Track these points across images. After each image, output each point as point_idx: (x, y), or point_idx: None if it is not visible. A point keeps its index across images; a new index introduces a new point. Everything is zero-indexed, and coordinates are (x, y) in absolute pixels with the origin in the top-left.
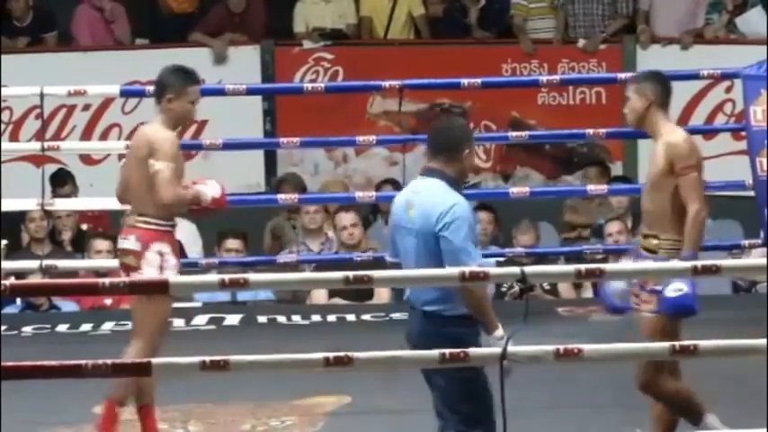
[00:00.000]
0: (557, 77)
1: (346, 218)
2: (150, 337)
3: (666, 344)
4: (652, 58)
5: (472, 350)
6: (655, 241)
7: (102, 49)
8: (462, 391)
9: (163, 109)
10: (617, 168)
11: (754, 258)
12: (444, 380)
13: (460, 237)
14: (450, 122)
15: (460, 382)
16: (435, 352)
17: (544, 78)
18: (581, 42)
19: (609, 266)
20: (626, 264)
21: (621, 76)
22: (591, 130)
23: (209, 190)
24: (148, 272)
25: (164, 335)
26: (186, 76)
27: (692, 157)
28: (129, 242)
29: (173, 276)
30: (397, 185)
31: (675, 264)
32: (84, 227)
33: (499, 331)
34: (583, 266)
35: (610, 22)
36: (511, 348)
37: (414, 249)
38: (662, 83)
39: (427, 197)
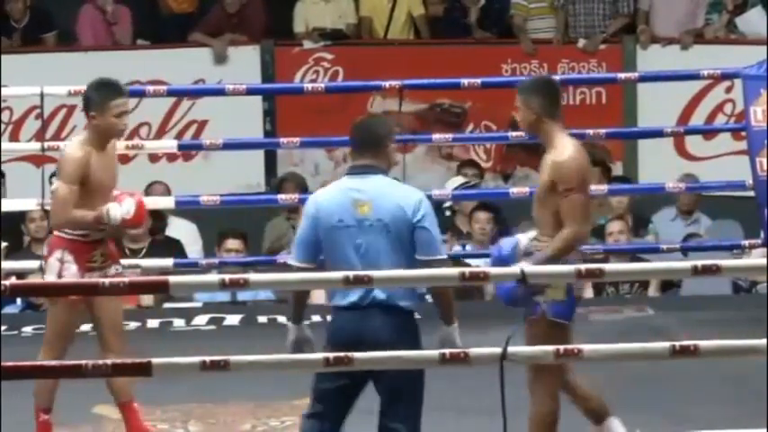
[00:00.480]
0: (557, 77)
1: None
2: (50, 341)
3: (666, 344)
4: (652, 59)
5: (472, 350)
6: (537, 244)
7: (103, 50)
8: (419, 391)
9: (88, 125)
10: (617, 168)
11: (755, 258)
12: (405, 381)
13: (436, 228)
14: (372, 119)
15: (418, 382)
16: (435, 352)
17: None
18: (581, 42)
19: (609, 266)
20: (626, 264)
21: (621, 76)
22: (591, 131)
23: (119, 210)
24: (48, 278)
25: (65, 340)
26: (108, 90)
27: (574, 179)
28: (43, 248)
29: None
30: None
31: (675, 264)
32: None
33: (456, 323)
34: (583, 266)
35: (610, 21)
36: (511, 348)
37: (384, 245)
38: (546, 94)
39: (388, 191)
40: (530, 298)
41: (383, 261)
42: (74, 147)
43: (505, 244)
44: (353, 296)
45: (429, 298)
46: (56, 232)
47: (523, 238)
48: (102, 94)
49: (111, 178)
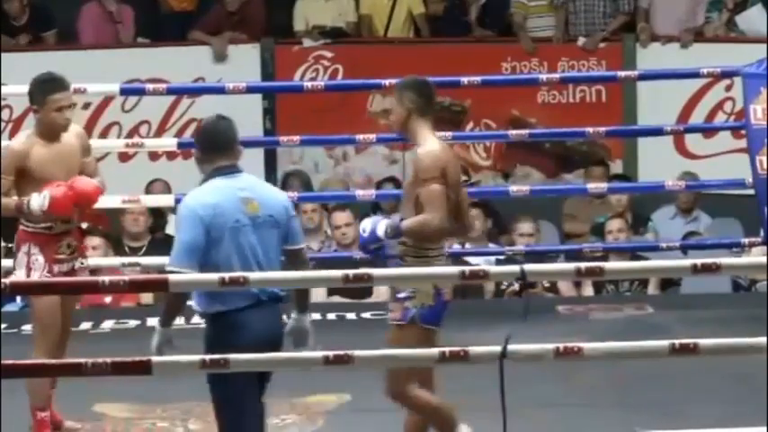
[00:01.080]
0: (556, 76)
1: (341, 217)
2: (39, 339)
3: (666, 342)
4: (652, 57)
5: (472, 349)
6: (403, 247)
7: (102, 48)
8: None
9: (34, 119)
10: (617, 166)
11: (755, 257)
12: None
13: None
14: (223, 121)
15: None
16: (435, 350)
17: (544, 77)
18: (581, 40)
19: (609, 265)
20: (626, 263)
21: (621, 74)
22: (591, 129)
23: (37, 201)
24: (19, 273)
25: (52, 333)
26: (49, 84)
27: (431, 170)
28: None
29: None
30: (398, 183)
31: (675, 262)
32: (84, 225)
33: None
34: (583, 265)
35: (610, 20)
36: (511, 347)
37: (274, 240)
38: (421, 91)
39: (264, 187)
40: (377, 254)
41: (273, 256)
42: (17, 139)
43: (366, 225)
44: (253, 293)
45: None
46: (21, 226)
47: (387, 220)
48: (43, 88)
49: (64, 170)
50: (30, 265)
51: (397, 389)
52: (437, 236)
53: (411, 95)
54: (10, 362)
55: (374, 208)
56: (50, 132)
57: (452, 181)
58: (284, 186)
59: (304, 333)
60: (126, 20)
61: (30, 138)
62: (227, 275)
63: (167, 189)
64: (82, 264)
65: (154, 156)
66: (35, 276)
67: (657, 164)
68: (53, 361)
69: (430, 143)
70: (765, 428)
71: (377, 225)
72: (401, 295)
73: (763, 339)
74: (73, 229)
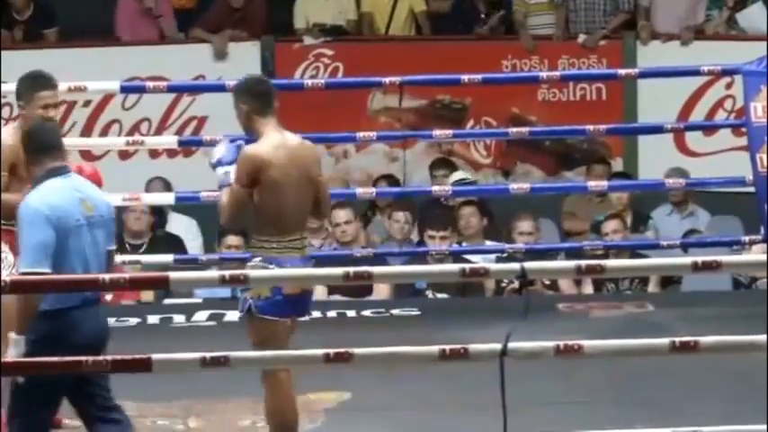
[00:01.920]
0: (557, 74)
1: (340, 215)
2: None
3: (666, 339)
4: (652, 54)
5: (472, 346)
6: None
7: (102, 46)
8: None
9: (20, 115)
10: (617, 164)
11: (755, 254)
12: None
13: None
14: (49, 123)
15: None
16: (435, 348)
17: (544, 74)
18: (581, 38)
19: (609, 262)
20: (626, 261)
21: (622, 72)
22: (591, 127)
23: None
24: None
25: None
26: (36, 82)
27: (238, 170)
28: None
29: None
30: (396, 182)
31: (675, 260)
32: None
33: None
34: (583, 262)
35: (611, 17)
36: (511, 344)
37: (105, 239)
38: (252, 92)
39: (93, 189)
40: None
41: (103, 256)
42: (6, 133)
43: (224, 154)
44: (83, 294)
45: (430, 294)
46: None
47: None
48: (29, 85)
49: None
50: None
51: (270, 380)
52: (223, 218)
53: (245, 97)
54: (10, 360)
55: (372, 207)
56: None
57: (275, 182)
58: None
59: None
60: (167, 13)
61: (15, 132)
62: (227, 273)
63: (166, 187)
64: None
65: (154, 154)
66: (3, 275)
67: (658, 162)
68: (53, 359)
69: (259, 144)
70: (765, 426)
71: (224, 168)
72: (242, 290)
73: (763, 337)
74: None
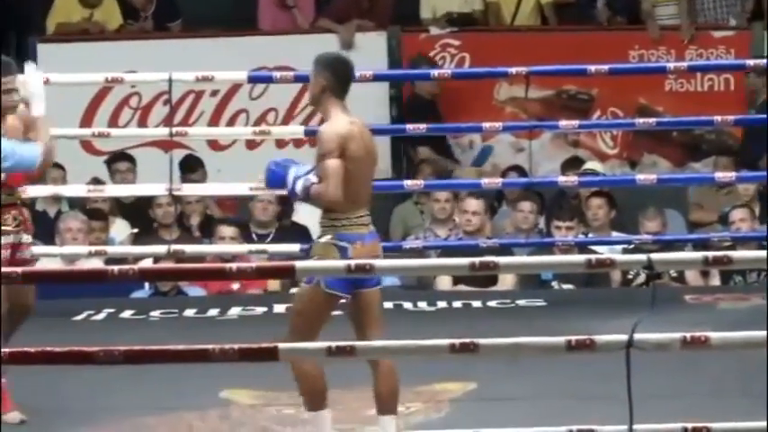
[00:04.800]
0: (684, 64)
1: (472, 204)
2: None
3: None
4: None
5: (598, 338)
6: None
7: (227, 36)
8: None
9: None
10: None
11: None
12: None
13: None
14: None
15: None
16: (561, 339)
17: (671, 65)
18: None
19: (737, 254)
20: (753, 252)
21: (750, 62)
22: (719, 117)
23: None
24: None
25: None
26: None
27: (327, 145)
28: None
29: (300, 262)
30: (523, 172)
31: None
32: (212, 213)
33: None
34: (710, 253)
35: (738, 8)
36: (637, 335)
37: None
38: (337, 71)
39: None
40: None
41: None
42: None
43: (288, 172)
44: None
45: (556, 284)
46: None
47: (303, 180)
48: None
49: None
50: None
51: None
52: (331, 206)
53: (328, 73)
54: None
55: (499, 197)
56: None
57: (355, 156)
58: (415, 174)
59: None
60: (304, 4)
61: None
62: (353, 263)
63: None
64: (27, 239)
65: (281, 143)
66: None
67: None
68: (181, 347)
69: (335, 122)
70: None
71: (297, 181)
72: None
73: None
74: (17, 203)
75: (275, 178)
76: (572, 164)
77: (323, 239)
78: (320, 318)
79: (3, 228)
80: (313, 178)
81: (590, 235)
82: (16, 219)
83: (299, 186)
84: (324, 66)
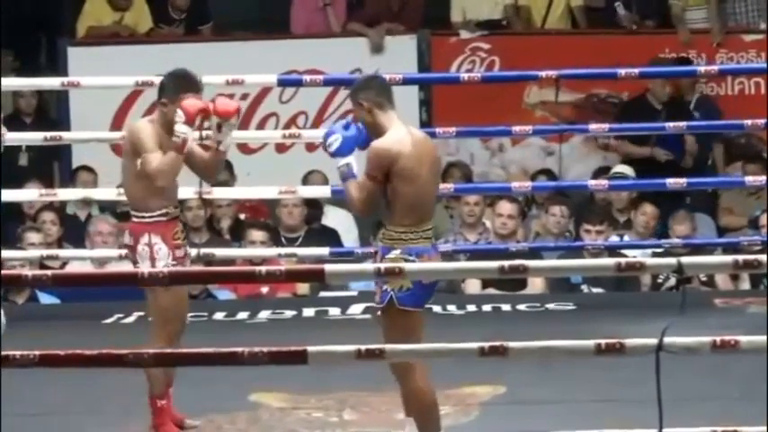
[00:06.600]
0: (715, 68)
1: (506, 207)
2: (159, 329)
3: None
4: None
5: (628, 341)
6: (382, 230)
7: (257, 39)
8: None
9: (158, 109)
10: None
11: None
12: None
13: None
14: None
15: None
16: (591, 342)
17: (702, 68)
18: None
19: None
20: None
21: None
22: (749, 121)
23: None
24: (144, 266)
25: (174, 324)
26: (184, 83)
27: (370, 163)
28: (126, 238)
29: (329, 266)
30: (553, 176)
31: None
32: (242, 216)
33: None
34: (740, 257)
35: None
36: (667, 339)
37: None
38: (370, 87)
39: None
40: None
41: None
42: (143, 126)
43: (338, 140)
44: None
45: (585, 288)
46: (134, 219)
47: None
48: (177, 86)
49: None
50: (154, 256)
51: (402, 366)
52: (357, 212)
53: (365, 93)
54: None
55: (529, 201)
56: (166, 127)
57: (406, 173)
58: (444, 177)
59: None
60: (337, 5)
61: (150, 125)
62: (382, 266)
63: (324, 180)
64: (188, 250)
65: (311, 147)
66: (160, 266)
67: None
68: (210, 350)
69: (387, 137)
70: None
71: (347, 156)
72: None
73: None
74: (179, 214)
75: (344, 143)
76: (605, 172)
77: (392, 254)
78: (411, 337)
79: (175, 242)
80: (354, 166)
81: (625, 238)
82: (183, 231)
83: (342, 160)
84: (356, 91)
